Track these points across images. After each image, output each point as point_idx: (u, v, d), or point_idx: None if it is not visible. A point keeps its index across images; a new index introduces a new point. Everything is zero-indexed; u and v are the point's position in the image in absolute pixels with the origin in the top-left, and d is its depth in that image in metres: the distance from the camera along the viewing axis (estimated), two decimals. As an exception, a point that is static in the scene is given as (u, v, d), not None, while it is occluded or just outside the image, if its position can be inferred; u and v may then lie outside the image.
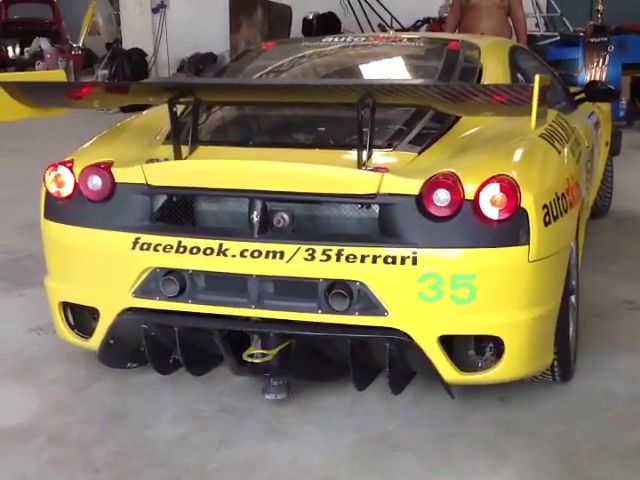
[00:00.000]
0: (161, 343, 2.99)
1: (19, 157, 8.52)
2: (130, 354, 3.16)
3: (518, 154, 2.86)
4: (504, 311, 2.67)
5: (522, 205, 2.62)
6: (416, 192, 2.64)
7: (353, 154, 2.77)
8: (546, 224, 2.68)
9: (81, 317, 3.18)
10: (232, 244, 2.77)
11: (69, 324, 3.18)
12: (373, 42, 4.04)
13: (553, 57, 8.23)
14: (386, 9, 10.99)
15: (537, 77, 2.42)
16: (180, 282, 2.80)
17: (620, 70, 9.03)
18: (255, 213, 2.76)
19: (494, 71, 3.63)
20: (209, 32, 13.57)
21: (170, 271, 2.82)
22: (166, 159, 2.93)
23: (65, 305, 3.15)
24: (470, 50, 3.71)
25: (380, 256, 2.64)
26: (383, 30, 10.52)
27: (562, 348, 2.98)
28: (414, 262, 2.62)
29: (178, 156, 2.93)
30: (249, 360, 2.83)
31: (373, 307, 2.66)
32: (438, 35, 4.75)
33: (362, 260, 2.65)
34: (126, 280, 2.88)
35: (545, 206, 2.69)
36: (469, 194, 2.62)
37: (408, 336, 2.67)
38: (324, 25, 11.77)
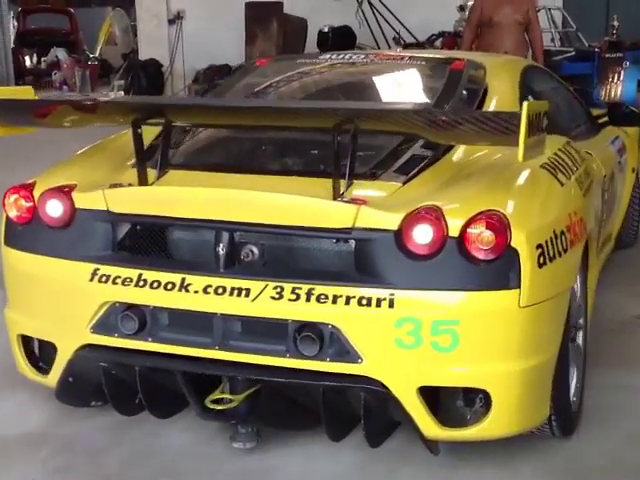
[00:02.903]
0: (124, 382, 2.76)
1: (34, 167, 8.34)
2: (92, 392, 2.92)
3: (512, 187, 2.60)
4: (491, 362, 2.40)
5: (512, 244, 2.36)
6: (395, 227, 2.40)
7: (339, 182, 2.54)
8: (540, 265, 2.42)
9: (42, 351, 2.96)
10: (195, 279, 2.54)
11: (29, 358, 2.96)
12: (373, 60, 3.77)
13: (568, 72, 7.97)
14: (401, 23, 10.77)
15: (525, 104, 2.16)
16: (140, 318, 2.58)
17: (635, 86, 8.77)
18: (221, 246, 2.53)
19: (501, 93, 3.35)
20: (225, 44, 13.47)
21: (129, 306, 2.60)
22: (130, 184, 2.71)
23: (25, 338, 2.94)
24: (475, 70, 3.44)
25: (354, 297, 2.40)
26: (398, 43, 10.31)
27: (561, 401, 2.69)
28: (391, 305, 2.37)
29: (142, 181, 2.70)
30: (211, 407, 2.58)
31: (346, 353, 2.42)
32: (443, 53, 4.47)
33: (334, 301, 2.40)
34: (84, 314, 2.67)
35: (540, 245, 2.43)
36: (453, 231, 2.37)
37: (384, 386, 2.42)
38: (339, 38, 11.58)
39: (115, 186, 2.71)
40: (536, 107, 2.26)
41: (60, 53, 15.81)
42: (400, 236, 2.39)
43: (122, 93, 13.82)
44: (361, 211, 2.41)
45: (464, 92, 3.25)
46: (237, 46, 12.96)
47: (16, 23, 16.83)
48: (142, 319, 2.59)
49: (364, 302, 2.38)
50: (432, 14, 10.61)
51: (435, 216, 2.37)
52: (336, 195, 2.49)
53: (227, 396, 2.61)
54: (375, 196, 2.54)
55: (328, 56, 3.89)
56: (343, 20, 11.38)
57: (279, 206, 2.48)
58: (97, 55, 15.60)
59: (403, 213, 2.40)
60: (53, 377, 2.82)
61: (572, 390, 2.86)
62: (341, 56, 3.86)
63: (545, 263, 2.43)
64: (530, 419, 2.56)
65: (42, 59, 16.27)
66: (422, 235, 2.36)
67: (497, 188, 2.56)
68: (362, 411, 2.48)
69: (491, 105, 3.25)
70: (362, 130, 2.54)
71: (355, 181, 2.60)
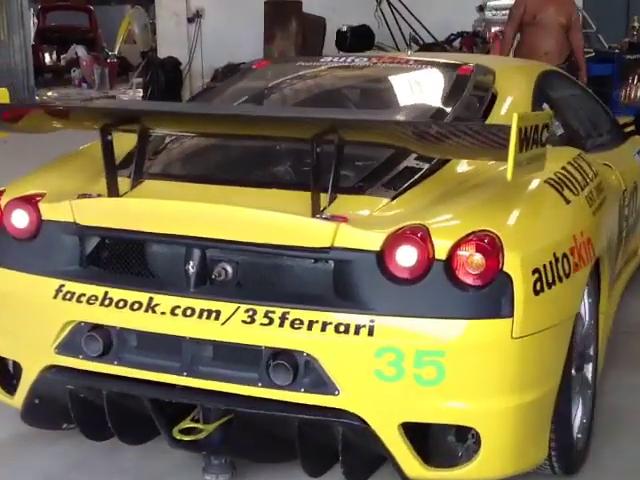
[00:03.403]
0: (93, 406, 2.58)
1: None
2: (61, 414, 2.74)
3: (510, 204, 2.37)
4: (480, 397, 2.18)
5: (505, 269, 2.15)
6: (377, 248, 2.19)
7: (319, 197, 2.35)
8: (537, 292, 2.20)
9: (15, 370, 2.79)
10: (163, 299, 2.35)
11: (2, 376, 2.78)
12: (376, 64, 3.54)
13: (587, 73, 7.73)
14: (420, 22, 10.54)
15: (515, 116, 1.95)
16: (105, 340, 2.40)
17: (656, 87, 8.49)
18: (191, 263, 2.35)
19: (511, 100, 3.12)
20: (244, 42, 13.36)
21: (95, 326, 2.43)
22: (99, 195, 2.53)
23: None
24: (483, 75, 3.20)
25: (331, 323, 2.20)
26: (416, 43, 10.09)
27: (563, 439, 2.47)
28: (370, 332, 2.17)
29: (112, 192, 2.52)
30: (178, 437, 2.40)
31: (322, 384, 2.22)
32: (452, 57, 4.23)
33: (309, 327, 2.20)
34: (48, 333, 2.49)
35: (537, 270, 2.21)
36: (440, 253, 2.16)
37: (363, 421, 2.22)
38: (358, 38, 11.42)
39: (84, 196, 2.53)
40: (531, 119, 2.04)
41: (79, 50, 15.77)
42: (382, 258, 2.19)
43: (140, 91, 13.75)
44: (340, 229, 2.21)
45: (469, 99, 3.02)
46: (256, 45, 12.82)
47: (36, 20, 16.82)
48: (107, 341, 2.41)
49: (341, 329, 2.18)
50: (451, 14, 10.37)
51: (420, 236, 2.16)
52: (315, 211, 2.29)
53: (197, 425, 2.42)
54: (359, 212, 2.34)
55: (329, 59, 3.68)
56: (362, 20, 11.21)
57: (253, 222, 2.29)
58: (116, 53, 15.52)
59: (386, 232, 2.20)
60: (19, 398, 2.64)
61: (576, 426, 2.63)
62: (342, 59, 3.64)
63: (542, 290, 2.21)
64: (526, 459, 2.34)
65: (61, 56, 16.24)
66: (406, 257, 2.16)
67: (493, 206, 2.34)
68: (340, 447, 2.28)
69: (499, 113, 3.01)
70: (347, 141, 2.34)
71: (340, 196, 2.40)
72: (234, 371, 2.30)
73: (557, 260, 2.31)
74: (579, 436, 2.65)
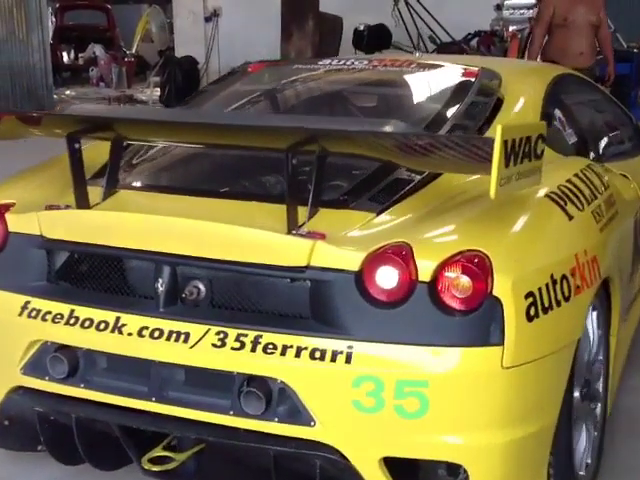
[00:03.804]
0: (63, 429, 2.43)
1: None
2: (34, 436, 2.59)
3: (504, 221, 2.18)
4: (468, 432, 2.00)
5: (494, 293, 1.97)
6: (355, 268, 2.02)
7: (301, 210, 2.19)
8: (530, 318, 2.01)
9: None
10: (130, 319, 2.20)
11: None
12: (375, 67, 3.35)
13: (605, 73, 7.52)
14: (437, 21, 10.35)
15: (500, 128, 1.77)
16: (71, 361, 2.26)
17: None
18: (161, 281, 2.19)
19: (517, 106, 2.93)
20: (260, 41, 13.31)
21: (61, 347, 2.28)
22: (67, 206, 2.38)
23: None
24: (488, 80, 3.00)
25: (306, 348, 2.03)
26: (434, 42, 9.90)
27: (563, 474, 2.28)
28: (348, 360, 2.00)
29: (80, 203, 2.37)
30: (146, 468, 2.25)
31: (297, 414, 2.06)
32: (458, 59, 4.00)
33: (283, 352, 2.04)
34: (14, 353, 2.36)
35: (530, 294, 2.03)
36: (424, 274, 1.99)
37: (341, 454, 2.05)
38: (375, 37, 11.29)
39: (52, 208, 2.39)
40: (521, 131, 1.86)
41: (97, 49, 15.74)
42: (361, 278, 2.02)
43: (158, 89, 13.69)
44: (317, 247, 2.04)
45: (472, 105, 2.82)
46: (273, 44, 12.69)
47: (54, 19, 16.81)
48: (74, 362, 2.27)
49: (317, 355, 2.02)
50: (468, 13, 10.15)
51: (402, 256, 1.99)
52: (291, 227, 2.12)
53: (169, 454, 2.27)
54: (340, 228, 2.17)
55: (328, 62, 3.50)
56: (378, 19, 11.07)
57: (225, 238, 2.13)
58: (133, 52, 15.46)
59: (365, 251, 2.03)
60: None
61: (581, 461, 2.44)
62: (342, 62, 3.45)
63: (537, 315, 2.03)
64: None
65: (79, 55, 16.22)
66: (386, 278, 1.99)
67: (484, 223, 2.16)
68: (318, 481, 2.11)
69: (503, 120, 2.81)
70: (328, 152, 2.17)
71: (322, 210, 2.23)
72: (205, 397, 2.15)
73: (555, 282, 2.12)
74: (581, 474, 2.45)
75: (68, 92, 15.27)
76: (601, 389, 2.63)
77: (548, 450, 2.18)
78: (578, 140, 3.23)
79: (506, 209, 2.21)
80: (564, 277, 2.17)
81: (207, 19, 14.22)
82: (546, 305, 2.07)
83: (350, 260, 2.02)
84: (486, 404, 2.00)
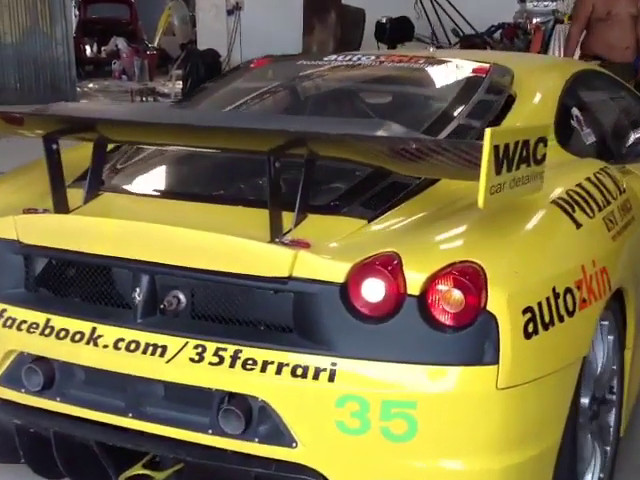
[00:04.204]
0: (44, 442, 2.33)
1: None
2: (15, 449, 2.49)
3: (501, 230, 2.03)
4: (460, 457, 1.86)
5: (489, 308, 1.83)
6: (340, 279, 1.89)
7: (289, 216, 2.06)
8: (528, 335, 1.87)
9: None
10: (107, 330, 2.09)
11: None
12: (383, 63, 3.18)
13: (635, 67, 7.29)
14: (460, 13, 10.16)
15: (488, 132, 1.62)
16: (46, 373, 2.16)
17: None
18: (138, 291, 2.08)
19: (530, 104, 2.77)
20: (282, 34, 13.23)
21: (38, 358, 2.18)
22: (46, 210, 2.28)
23: None
24: (500, 76, 2.84)
25: (287, 365, 1.90)
26: (456, 35, 9.72)
27: None
28: (331, 378, 1.87)
29: (59, 207, 2.26)
30: (124, 487, 2.14)
31: (278, 434, 1.93)
32: (471, 54, 3.81)
33: (263, 368, 1.92)
34: None
35: (529, 309, 1.88)
36: (413, 287, 1.85)
37: (325, 478, 1.92)
38: (397, 29, 11.14)
39: (30, 212, 2.28)
40: (516, 134, 1.72)
41: (120, 43, 15.71)
42: (346, 291, 1.88)
43: (180, 82, 13.65)
44: (300, 257, 1.91)
45: (480, 104, 2.66)
46: (295, 37, 12.61)
47: (77, 12, 16.80)
48: (50, 374, 2.16)
49: (299, 372, 1.89)
50: (492, 5, 9.95)
51: (390, 267, 1.85)
52: (275, 234, 2.00)
53: (148, 473, 2.16)
54: (329, 236, 2.04)
55: (333, 57, 3.35)
56: (401, 11, 10.92)
57: (205, 246, 2.00)
58: (156, 45, 15.42)
59: (351, 262, 1.89)
60: None
61: None
62: (348, 58, 3.30)
63: (536, 332, 1.88)
64: None
65: (102, 48, 16.20)
66: (372, 291, 1.85)
67: (481, 231, 2.01)
68: (302, 505, 1.99)
69: (513, 119, 2.65)
70: (316, 156, 2.03)
71: (311, 215, 2.10)
72: (184, 415, 2.03)
73: (557, 296, 1.97)
74: None
75: (91, 85, 15.27)
76: (614, 406, 2.47)
77: (551, 473, 2.03)
78: (598, 140, 3.06)
79: (506, 217, 2.06)
80: (568, 290, 2.02)
81: (229, 12, 14.18)
82: (547, 321, 1.92)
83: (335, 271, 1.89)
84: (480, 427, 1.85)
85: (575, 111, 2.99)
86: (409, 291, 1.85)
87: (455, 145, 1.78)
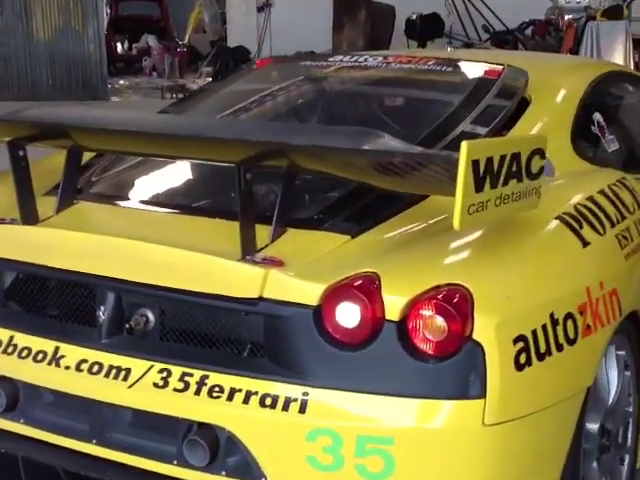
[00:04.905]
0: (12, 464, 2.20)
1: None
2: None
3: (493, 249, 1.85)
4: None
5: (475, 336, 1.65)
6: (314, 302, 1.73)
7: (267, 229, 1.91)
8: (520, 367, 1.69)
9: None
10: (70, 350, 1.96)
11: None
12: (389, 66, 2.99)
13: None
14: (491, 10, 9.91)
15: (464, 146, 1.44)
16: (9, 393, 2.03)
17: None
18: (103, 309, 1.94)
19: (546, 108, 2.57)
20: (312, 31, 13.11)
21: (1, 377, 2.05)
22: (13, 220, 2.14)
23: None
24: (513, 79, 2.61)
25: (256, 393, 1.75)
26: (487, 31, 9.50)
27: None
28: (302, 409, 1.71)
29: (27, 218, 2.12)
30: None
31: (246, 468, 1.78)
32: (488, 55, 3.59)
33: (230, 397, 1.77)
34: None
35: (521, 338, 1.70)
36: (392, 312, 1.68)
37: (297, 517, 1.77)
38: (427, 26, 10.96)
39: (-1, 222, 2.16)
40: (498, 147, 1.54)
41: (151, 40, 15.70)
42: (320, 315, 1.72)
43: (210, 79, 13.59)
44: (270, 276, 1.75)
45: (489, 108, 2.44)
46: (325, 34, 12.50)
47: (109, 10, 16.82)
48: (13, 394, 2.03)
49: (268, 402, 1.74)
50: (523, 1, 9.67)
51: (367, 290, 1.69)
52: (246, 251, 1.84)
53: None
54: (307, 253, 1.88)
55: (339, 58, 3.17)
56: (431, 8, 10.73)
57: (173, 263, 1.86)
58: (186, 42, 15.38)
59: (326, 283, 1.73)
60: None
61: None
62: (354, 58, 3.10)
63: (529, 363, 1.70)
64: None
65: (133, 45, 16.20)
66: (347, 316, 1.69)
67: (471, 250, 1.83)
68: None
69: (524, 126, 2.44)
70: (296, 168, 1.87)
71: (292, 230, 1.94)
72: (149, 443, 1.89)
73: (556, 323, 1.78)
74: None
75: (122, 82, 15.27)
76: (630, 438, 2.27)
77: None
78: (623, 148, 2.84)
79: (501, 235, 1.88)
80: (569, 316, 1.83)
81: (259, 9, 14.12)
82: (542, 351, 1.74)
83: (308, 293, 1.73)
84: (465, 466, 1.69)
85: (597, 116, 2.76)
86: (388, 316, 1.68)
87: (430, 159, 1.60)
